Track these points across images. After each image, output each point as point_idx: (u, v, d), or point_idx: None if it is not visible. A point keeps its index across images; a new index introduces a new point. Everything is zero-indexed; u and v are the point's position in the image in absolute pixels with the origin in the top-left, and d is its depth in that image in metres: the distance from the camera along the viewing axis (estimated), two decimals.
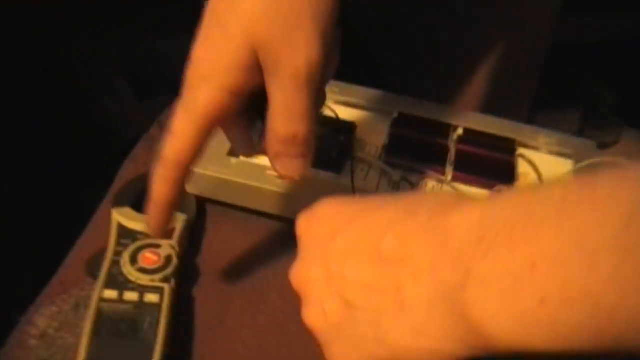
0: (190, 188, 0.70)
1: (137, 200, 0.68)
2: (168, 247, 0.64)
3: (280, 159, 0.54)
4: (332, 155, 0.72)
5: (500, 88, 0.93)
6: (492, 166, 0.73)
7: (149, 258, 0.63)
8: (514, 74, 0.94)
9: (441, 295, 0.42)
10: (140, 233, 0.65)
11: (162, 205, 0.56)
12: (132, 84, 1.23)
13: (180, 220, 0.67)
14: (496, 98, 0.93)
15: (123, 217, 0.66)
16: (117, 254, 0.64)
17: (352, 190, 0.69)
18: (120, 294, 0.60)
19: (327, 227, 0.50)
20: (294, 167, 0.54)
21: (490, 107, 0.93)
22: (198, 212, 0.71)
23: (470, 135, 0.76)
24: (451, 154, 0.74)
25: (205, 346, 0.61)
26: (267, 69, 0.50)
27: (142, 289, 0.61)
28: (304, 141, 0.53)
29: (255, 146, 0.60)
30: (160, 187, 0.55)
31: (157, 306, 0.60)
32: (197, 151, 0.54)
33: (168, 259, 0.63)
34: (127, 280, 0.62)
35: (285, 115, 0.51)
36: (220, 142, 0.70)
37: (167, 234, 0.65)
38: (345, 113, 0.77)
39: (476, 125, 0.78)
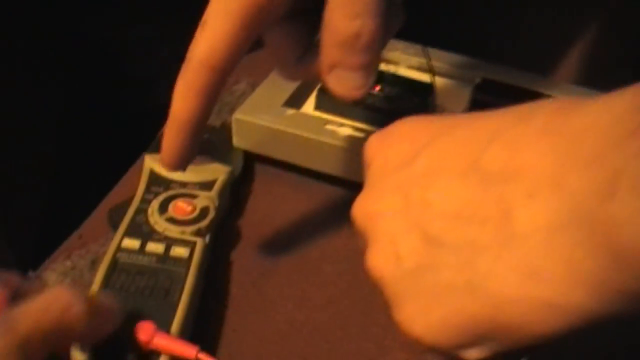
0: (238, 141, 0.60)
1: None
2: (206, 198, 0.53)
3: (336, 72, 0.43)
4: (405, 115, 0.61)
5: (599, 58, 0.81)
6: None
7: (181, 208, 0.52)
8: (617, 43, 0.81)
9: (570, 215, 0.30)
10: (176, 183, 0.55)
11: (181, 123, 0.42)
12: None
13: (223, 172, 0.56)
14: (595, 69, 0.81)
15: (157, 163, 0.56)
16: (146, 202, 0.53)
17: None
18: (143, 245, 0.49)
19: (406, 147, 0.38)
20: (353, 82, 0.43)
21: (588, 78, 0.80)
22: (245, 170, 0.60)
23: None
24: None
25: (240, 318, 0.49)
26: None
27: (169, 242, 0.50)
28: (369, 45, 0.41)
29: (304, 66, 0.46)
30: (182, 98, 0.41)
31: (185, 262, 0.48)
32: (233, 55, 0.41)
33: (204, 211, 0.52)
34: (153, 231, 0.50)
35: (347, 6, 0.40)
36: (275, 91, 0.61)
37: (206, 185, 0.55)
38: (422, 78, 0.66)
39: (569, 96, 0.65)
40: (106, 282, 0.47)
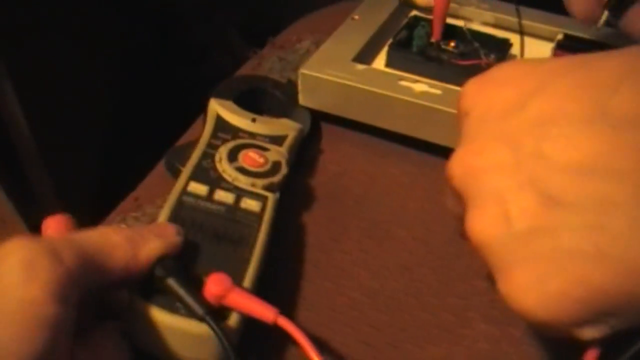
0: (305, 99, 0.56)
1: (242, 99, 0.55)
2: (277, 153, 0.50)
3: None
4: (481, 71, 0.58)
5: None
6: None
7: (253, 159, 0.48)
8: None
9: None
10: (244, 132, 0.51)
11: None
12: (244, 36, 1.14)
13: (293, 129, 0.53)
14: None
15: (224, 109, 0.52)
16: (212, 147, 0.49)
17: None
18: (211, 192, 0.46)
19: (511, 92, 0.34)
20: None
21: None
22: (312, 129, 0.56)
23: None
24: None
25: (309, 285, 0.46)
26: None
27: (240, 192, 0.46)
28: None
29: None
30: None
31: (257, 216, 0.45)
32: None
33: (276, 165, 0.48)
34: (221, 178, 0.47)
35: None
36: (343, 46, 0.58)
37: (276, 140, 0.51)
38: (501, 35, 0.62)
39: None
40: (172, 218, 0.43)
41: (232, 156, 0.48)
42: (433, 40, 0.59)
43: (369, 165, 0.54)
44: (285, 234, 0.48)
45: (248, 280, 0.40)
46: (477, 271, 0.45)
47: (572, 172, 0.30)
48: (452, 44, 0.58)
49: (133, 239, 0.37)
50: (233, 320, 0.38)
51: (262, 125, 0.52)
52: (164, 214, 0.43)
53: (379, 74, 0.55)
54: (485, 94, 0.35)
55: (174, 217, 0.43)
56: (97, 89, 1.06)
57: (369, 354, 0.42)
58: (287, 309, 0.44)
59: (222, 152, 0.48)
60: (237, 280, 0.40)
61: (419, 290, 0.45)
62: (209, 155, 0.48)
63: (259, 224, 0.44)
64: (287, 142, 0.51)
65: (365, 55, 0.58)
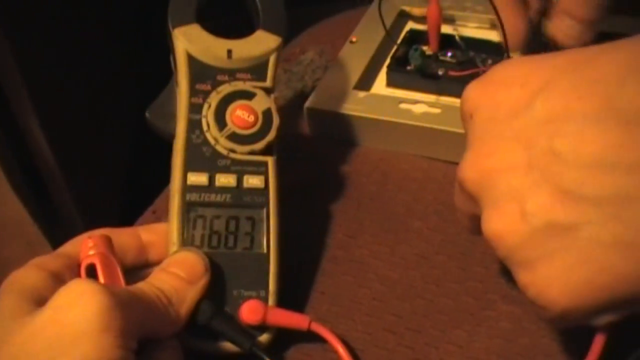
0: (315, 130, 0.55)
1: (202, 15, 0.45)
2: (264, 97, 0.43)
3: (563, 19, 0.46)
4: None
5: None
6: None
7: (242, 119, 0.42)
8: None
9: None
10: (222, 72, 0.43)
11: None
12: None
13: (272, 46, 0.45)
14: None
15: (193, 43, 0.43)
16: (195, 109, 0.42)
17: None
18: (211, 178, 0.41)
19: (516, 91, 0.33)
20: (572, 31, 0.46)
21: None
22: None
23: None
24: None
25: (328, 279, 0.45)
26: None
27: (239, 169, 0.42)
28: (599, 5, 0.45)
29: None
30: None
31: (263, 194, 0.42)
32: None
33: (267, 117, 0.43)
34: (217, 154, 0.41)
35: None
36: (344, 74, 0.57)
37: (258, 69, 0.44)
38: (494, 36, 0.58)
39: None
40: (183, 235, 0.40)
41: (221, 119, 0.42)
42: (430, 52, 0.56)
43: (381, 163, 0.53)
44: (303, 234, 0.47)
45: (272, 284, 0.41)
46: (493, 256, 0.44)
47: (585, 167, 0.30)
48: (450, 53, 0.57)
49: (173, 297, 0.38)
50: (269, 335, 0.40)
51: (240, 57, 0.44)
52: (174, 226, 0.40)
53: (380, 99, 0.55)
54: (489, 95, 0.35)
55: (185, 225, 0.40)
56: (116, 108, 1.10)
57: (393, 340, 0.42)
58: (311, 305, 0.43)
59: (209, 116, 0.42)
60: (263, 285, 0.41)
61: (438, 278, 0.45)
62: (195, 123, 0.42)
63: (267, 203, 0.42)
64: (270, 70, 0.45)
65: (367, 79, 0.58)
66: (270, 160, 0.42)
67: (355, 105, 0.54)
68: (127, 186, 1.16)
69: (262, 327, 0.40)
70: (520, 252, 0.32)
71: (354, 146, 0.55)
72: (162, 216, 0.48)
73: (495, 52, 0.55)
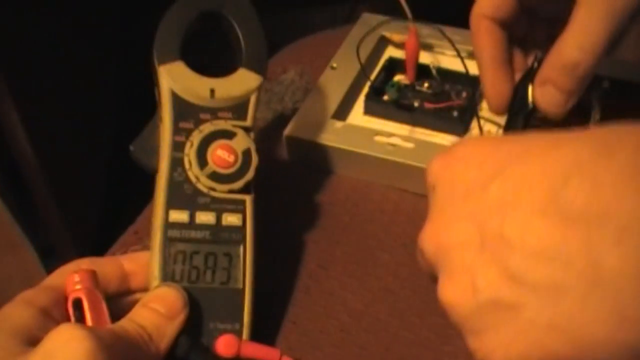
0: (294, 157, 0.56)
1: (187, 53, 0.47)
2: (244, 137, 0.45)
3: (545, 87, 0.47)
4: (452, 114, 0.57)
5: None
6: None
7: (222, 159, 0.44)
8: None
9: None
10: (204, 111, 0.46)
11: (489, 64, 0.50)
12: None
13: (252, 85, 0.47)
14: None
15: (177, 81, 0.45)
16: (178, 147, 0.44)
17: None
18: (192, 215, 0.43)
19: (474, 171, 0.36)
20: (555, 100, 0.47)
21: None
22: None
23: None
24: None
25: (299, 310, 0.47)
26: None
27: (218, 207, 0.44)
28: (581, 77, 0.46)
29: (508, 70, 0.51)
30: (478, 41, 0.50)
31: (239, 231, 0.44)
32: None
33: (246, 157, 0.45)
34: (198, 192, 0.44)
35: (579, 39, 0.45)
36: (324, 102, 0.58)
37: (238, 108, 0.46)
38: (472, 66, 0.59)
39: None
40: (164, 269, 0.42)
41: (202, 158, 0.44)
42: (407, 82, 0.59)
43: (354, 193, 0.55)
44: (277, 262, 0.49)
45: (246, 317, 0.43)
46: None
47: (529, 255, 0.33)
48: (426, 84, 0.59)
49: (153, 333, 0.40)
50: None
51: (222, 97, 0.46)
52: (155, 261, 0.42)
53: (356, 130, 0.57)
54: (450, 171, 0.37)
55: (166, 259, 0.43)
56: (101, 123, 1.18)
57: None
58: (283, 335, 0.46)
59: (191, 155, 0.44)
60: (237, 319, 0.43)
61: (402, 311, 0.47)
62: (177, 161, 0.44)
63: (244, 239, 0.44)
64: (251, 110, 0.47)
65: (346, 105, 0.60)
66: (248, 199, 0.45)
67: (332, 136, 0.56)
68: (111, 196, 1.19)
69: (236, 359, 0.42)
70: (469, 321, 0.35)
71: (329, 174, 0.57)
72: (144, 237, 0.50)
73: (471, 84, 0.58)
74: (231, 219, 0.44)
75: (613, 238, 0.30)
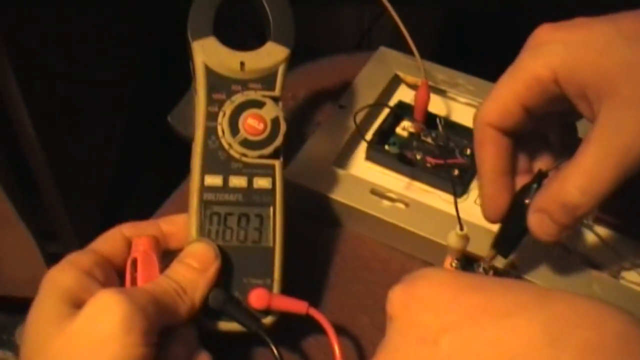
0: (292, 200, 0.52)
1: (219, 28, 0.50)
2: (272, 106, 0.48)
3: (540, 215, 0.45)
4: (452, 174, 0.57)
5: None
6: None
7: (253, 127, 0.47)
8: None
9: None
10: (236, 83, 0.49)
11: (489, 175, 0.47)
12: None
13: (280, 57, 0.49)
14: None
15: (210, 56, 0.49)
16: (212, 117, 0.47)
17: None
18: (225, 180, 0.46)
19: (430, 317, 0.36)
20: (548, 230, 0.45)
21: None
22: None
23: None
24: None
25: None
26: (601, 122, 0.42)
27: (250, 171, 0.47)
28: (578, 216, 0.44)
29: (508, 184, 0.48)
30: (481, 152, 0.47)
31: (270, 194, 0.47)
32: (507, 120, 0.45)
33: (275, 125, 0.48)
34: (231, 158, 0.47)
35: (584, 181, 0.42)
36: (327, 145, 0.58)
37: (268, 80, 0.49)
38: None
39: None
40: (201, 230, 0.46)
41: (234, 127, 0.47)
42: (414, 131, 0.59)
43: (343, 246, 0.56)
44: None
45: (277, 273, 0.46)
46: None
47: None
48: (432, 135, 0.59)
49: (187, 287, 0.44)
50: (271, 318, 0.46)
51: (251, 69, 0.49)
52: (192, 222, 0.46)
53: (354, 182, 0.56)
54: (407, 311, 0.37)
55: (202, 221, 0.46)
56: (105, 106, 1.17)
57: None
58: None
59: (224, 124, 0.47)
60: (269, 274, 0.46)
61: None
62: (211, 129, 0.47)
63: (274, 201, 0.48)
64: (279, 80, 0.50)
65: (350, 148, 0.60)
66: (277, 163, 0.48)
67: (329, 185, 0.56)
68: (114, 183, 1.18)
69: (267, 311, 0.45)
70: None
71: (321, 223, 0.57)
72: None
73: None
74: (262, 182, 0.47)
75: None
